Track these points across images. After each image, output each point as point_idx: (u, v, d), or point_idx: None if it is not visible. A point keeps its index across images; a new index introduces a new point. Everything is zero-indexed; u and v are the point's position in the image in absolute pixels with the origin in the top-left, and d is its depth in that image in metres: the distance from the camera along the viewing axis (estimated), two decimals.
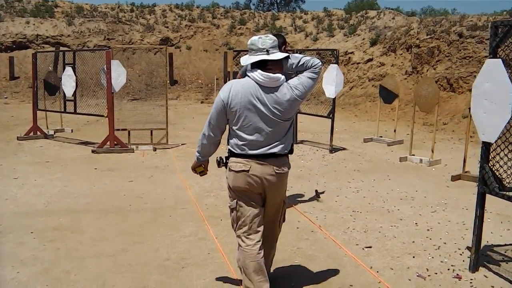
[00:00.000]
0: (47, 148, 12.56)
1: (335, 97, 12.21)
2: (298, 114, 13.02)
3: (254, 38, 4.14)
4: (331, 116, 12.39)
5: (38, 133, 13.92)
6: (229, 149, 4.29)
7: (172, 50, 28.21)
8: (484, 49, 17.27)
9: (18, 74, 25.41)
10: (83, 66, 15.01)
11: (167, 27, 30.27)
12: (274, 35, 6.15)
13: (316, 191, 8.33)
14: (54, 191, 8.59)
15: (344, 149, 12.67)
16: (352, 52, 24.52)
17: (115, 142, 12.08)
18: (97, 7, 31.90)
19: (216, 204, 7.86)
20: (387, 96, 13.74)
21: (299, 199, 8.22)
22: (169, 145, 12.78)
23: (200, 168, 4.69)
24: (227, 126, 4.29)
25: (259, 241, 4.31)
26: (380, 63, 22.66)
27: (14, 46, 26.10)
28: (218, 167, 4.44)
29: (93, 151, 11.95)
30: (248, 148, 4.13)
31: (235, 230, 4.44)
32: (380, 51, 23.39)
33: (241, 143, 4.14)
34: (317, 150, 12.46)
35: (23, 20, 27.20)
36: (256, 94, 4.04)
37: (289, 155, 4.36)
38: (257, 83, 4.05)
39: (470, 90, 17.08)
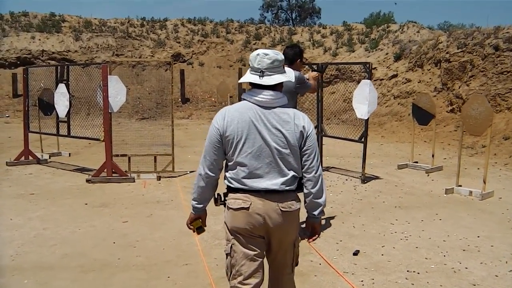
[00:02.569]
0: (36, 176, 10.90)
1: (368, 118, 10.38)
2: (323, 137, 11.26)
3: (253, 53, 3.56)
4: (363, 140, 10.57)
5: (30, 157, 12.28)
6: (227, 185, 3.61)
7: (184, 66, 26.77)
8: None
9: (22, 92, 23.78)
10: (89, 82, 13.47)
11: (179, 42, 28.76)
12: (289, 46, 6.15)
13: (357, 251, 6.43)
14: (29, 237, 6.90)
15: (377, 177, 10.88)
16: (375, 68, 22.70)
17: (113, 170, 10.41)
18: (106, 22, 30.38)
19: None
20: (422, 116, 11.95)
21: (335, 251, 6.41)
22: (176, 173, 11.08)
23: (197, 222, 3.83)
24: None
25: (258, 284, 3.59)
26: (406, 79, 20.88)
27: (18, 62, 24.55)
28: (215, 205, 3.69)
29: (87, 181, 10.30)
30: (247, 181, 3.48)
31: (229, 280, 3.67)
32: (406, 66, 21.63)
33: (239, 176, 3.50)
34: (347, 180, 10.64)
35: (28, 35, 25.77)
36: (256, 116, 3.46)
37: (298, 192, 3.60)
38: (255, 104, 3.49)
39: (509, 108, 15.37)
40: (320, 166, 3.63)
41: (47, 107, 12.45)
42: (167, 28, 30.59)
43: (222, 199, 3.65)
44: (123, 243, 6.65)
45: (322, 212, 3.69)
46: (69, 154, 13.56)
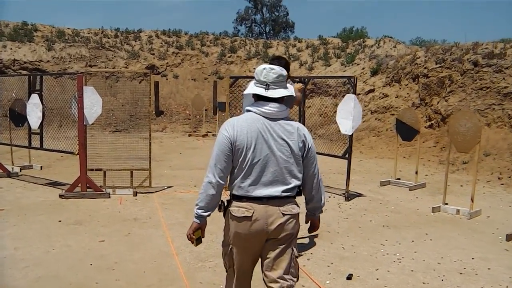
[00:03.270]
0: (7, 191, 10.38)
1: (352, 134, 10.06)
2: None
3: (259, 67, 3.73)
4: (347, 156, 10.24)
5: (0, 170, 11.70)
6: (231, 192, 3.74)
7: (158, 78, 26.22)
8: (503, 79, 15.32)
9: None
10: (62, 93, 12.97)
11: (153, 54, 28.23)
12: (274, 58, 6.06)
13: (350, 275, 6.04)
14: None
15: (360, 195, 10.56)
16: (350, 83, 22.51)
17: (88, 185, 9.91)
18: (79, 32, 29.62)
19: (214, 282, 5.66)
20: (406, 132, 11.68)
21: (327, 274, 6.04)
22: (153, 188, 10.61)
23: (198, 233, 3.81)
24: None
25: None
26: (383, 94, 20.66)
27: None
28: (219, 211, 3.79)
29: (60, 196, 9.80)
30: (252, 189, 3.62)
31: (226, 270, 3.95)
32: (383, 81, 21.42)
33: (245, 184, 3.63)
34: (330, 197, 10.29)
35: None
36: (263, 127, 3.63)
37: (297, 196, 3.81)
38: (262, 115, 3.65)
39: (489, 125, 15.19)
40: (319, 174, 3.90)
41: (19, 118, 11.90)
42: (141, 40, 30.05)
43: (225, 205, 3.77)
44: (100, 265, 6.21)
45: (321, 211, 4.11)
46: (41, 167, 13.02)
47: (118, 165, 10.83)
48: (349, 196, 10.17)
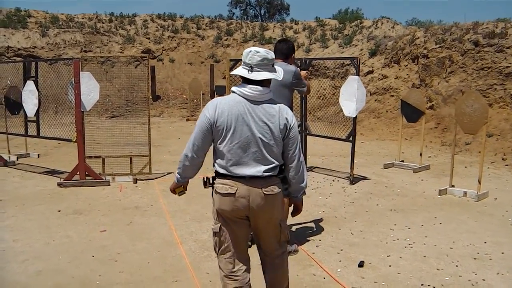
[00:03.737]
0: (3, 180, 10.16)
1: (356, 116, 9.85)
2: (307, 135, 10.72)
3: (246, 50, 3.89)
4: (351, 139, 10.03)
5: None
6: (215, 170, 3.95)
7: (154, 63, 25.92)
8: (505, 58, 15.08)
9: None
10: (57, 79, 12.74)
11: (149, 38, 27.90)
12: (281, 41, 6.28)
13: (362, 262, 5.84)
14: None
15: (365, 178, 10.36)
16: (348, 64, 22.19)
17: (86, 173, 9.70)
18: (73, 17, 29.22)
19: None
20: (411, 113, 11.43)
21: (337, 262, 5.85)
22: (153, 175, 10.42)
23: (179, 188, 4.24)
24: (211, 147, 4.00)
25: (247, 270, 4.05)
26: (382, 75, 20.40)
27: None
28: (205, 187, 4.09)
29: (59, 184, 9.59)
30: (234, 168, 3.83)
31: (217, 255, 4.09)
32: (382, 62, 21.16)
33: (227, 163, 3.84)
34: (334, 181, 10.10)
35: None
36: (244, 110, 3.79)
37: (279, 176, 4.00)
38: (244, 98, 3.82)
39: (491, 105, 14.95)
40: (301, 155, 4.01)
41: (14, 106, 11.63)
42: (136, 24, 29.67)
43: (211, 182, 4.01)
44: (103, 256, 6.00)
45: (303, 193, 4.20)
46: (38, 155, 12.79)
47: (117, 152, 10.57)
48: (354, 179, 9.96)
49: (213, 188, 3.99)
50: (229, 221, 3.93)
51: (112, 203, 8.47)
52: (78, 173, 9.70)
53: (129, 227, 7.14)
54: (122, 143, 11.32)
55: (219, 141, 3.84)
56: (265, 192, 3.82)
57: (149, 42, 27.65)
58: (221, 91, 19.51)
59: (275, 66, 3.97)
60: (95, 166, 9.97)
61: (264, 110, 3.81)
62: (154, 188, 9.50)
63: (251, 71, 3.82)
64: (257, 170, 3.81)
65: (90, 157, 10.08)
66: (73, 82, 9.64)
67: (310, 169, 11.10)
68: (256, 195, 3.81)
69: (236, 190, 3.81)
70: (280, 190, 3.95)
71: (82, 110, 9.69)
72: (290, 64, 6.15)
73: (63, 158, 12.30)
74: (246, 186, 3.81)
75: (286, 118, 3.86)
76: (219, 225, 3.98)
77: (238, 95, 3.85)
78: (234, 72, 3.95)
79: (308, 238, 6.66)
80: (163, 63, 26.78)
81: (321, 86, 21.26)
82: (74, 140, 9.76)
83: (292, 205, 4.26)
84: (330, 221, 7.46)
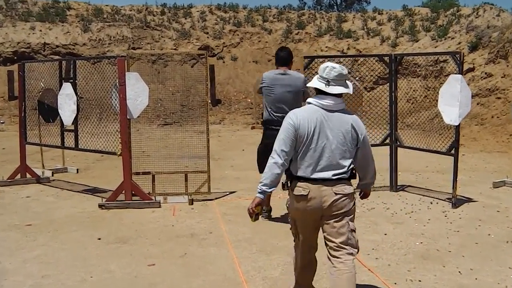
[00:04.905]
0: (35, 199, 10.15)
1: (459, 124, 9.33)
2: (398, 148, 10.30)
3: (323, 65, 4.85)
4: (453, 152, 9.50)
5: (28, 175, 11.53)
6: (289, 173, 4.88)
7: (214, 61, 26.05)
8: None
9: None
10: (101, 81, 12.64)
11: (207, 33, 28.11)
12: (281, 49, 8.74)
13: None
14: None
15: (470, 200, 9.85)
16: (445, 61, 21.60)
17: (133, 192, 9.59)
18: (119, 10, 29.73)
19: None
20: None
21: None
22: (213, 194, 10.23)
23: (258, 208, 4.85)
24: None
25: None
26: (485, 73, 19.80)
27: (15, 58, 23.88)
28: (283, 189, 4.97)
29: (100, 206, 9.46)
30: (309, 172, 4.74)
31: (294, 240, 5.22)
32: (485, 58, 20.55)
33: (303, 166, 4.76)
34: (432, 203, 9.65)
35: (27, 25, 25.30)
36: (321, 118, 4.74)
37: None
38: (321, 107, 4.78)
39: None
40: (372, 159, 5.08)
41: (49, 112, 11.59)
42: (193, 16, 29.95)
43: (288, 185, 4.94)
44: None
45: (372, 183, 5.33)
46: (77, 170, 12.86)
47: (170, 167, 10.40)
48: (457, 201, 9.45)
49: (289, 190, 4.95)
50: (301, 222, 4.94)
51: (163, 229, 8.25)
52: (123, 192, 9.58)
53: (183, 260, 6.87)
54: (175, 156, 11.10)
55: (299, 146, 4.77)
56: (335, 192, 4.72)
57: (208, 37, 27.91)
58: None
59: (347, 82, 4.89)
60: (143, 183, 9.89)
61: (339, 118, 4.77)
62: (213, 211, 9.29)
63: (328, 85, 4.77)
64: (330, 173, 4.72)
65: (138, 173, 10.02)
66: (117, 84, 9.57)
67: (402, 188, 10.75)
68: (327, 193, 4.70)
69: (309, 192, 4.72)
70: (352, 191, 4.84)
71: (128, 117, 9.61)
72: (291, 69, 8.39)
73: (106, 174, 12.31)
74: (317, 187, 4.71)
75: (358, 128, 4.82)
76: (294, 220, 5.04)
77: (315, 105, 4.81)
78: (311, 84, 4.93)
79: (405, 278, 6.20)
80: (223, 62, 26.99)
81: (410, 87, 20.73)
82: (118, 153, 9.63)
83: (361, 192, 5.37)
84: (431, 255, 6.99)
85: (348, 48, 26.84)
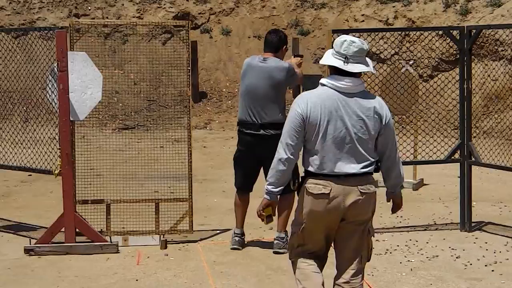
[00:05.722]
0: None
1: None
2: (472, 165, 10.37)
3: (339, 39, 5.42)
4: None
5: None
6: (305, 169, 5.60)
7: (197, 36, 26.24)
8: None
9: None
10: (28, 64, 12.69)
11: None
12: (271, 32, 9.66)
13: None
14: None
15: None
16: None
17: (78, 230, 9.58)
18: None
19: None
20: None
21: None
22: (196, 233, 10.34)
23: (268, 210, 5.65)
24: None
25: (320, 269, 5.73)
26: None
27: None
28: (292, 188, 5.83)
29: (27, 251, 9.42)
30: (328, 166, 5.39)
31: (290, 253, 5.92)
32: None
33: (320, 160, 5.40)
34: None
35: None
36: (338, 103, 5.33)
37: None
38: (337, 90, 5.36)
39: None
40: (398, 150, 5.83)
41: None
42: None
43: (300, 182, 5.64)
44: None
45: (401, 187, 5.91)
46: None
47: (132, 192, 10.41)
48: None
49: (300, 189, 5.61)
50: (319, 223, 5.52)
51: (122, 286, 8.21)
52: (62, 230, 9.56)
53: None
54: (141, 177, 11.10)
55: (312, 138, 5.42)
56: (361, 190, 5.39)
57: (187, 0, 27.85)
58: (313, 83, 19.27)
59: (367, 59, 5.47)
60: (93, 217, 9.94)
61: (358, 103, 5.36)
62: (198, 259, 9.29)
63: (347, 63, 5.28)
64: (353, 166, 5.37)
65: (86, 201, 10.08)
66: (55, 69, 9.57)
67: (479, 226, 10.82)
68: (351, 193, 5.36)
69: (330, 190, 5.34)
70: (376, 189, 5.55)
71: (72, 119, 9.61)
72: (279, 58, 9.04)
73: (36, 203, 12.45)
74: (341, 185, 5.36)
75: (382, 113, 5.42)
76: (304, 225, 5.57)
77: (329, 87, 5.38)
78: (325, 61, 5.50)
79: None
80: (211, 37, 27.45)
81: (488, 75, 20.64)
82: (56, 172, 9.60)
83: (391, 201, 6.01)
84: None
85: (396, 17, 26.92)
